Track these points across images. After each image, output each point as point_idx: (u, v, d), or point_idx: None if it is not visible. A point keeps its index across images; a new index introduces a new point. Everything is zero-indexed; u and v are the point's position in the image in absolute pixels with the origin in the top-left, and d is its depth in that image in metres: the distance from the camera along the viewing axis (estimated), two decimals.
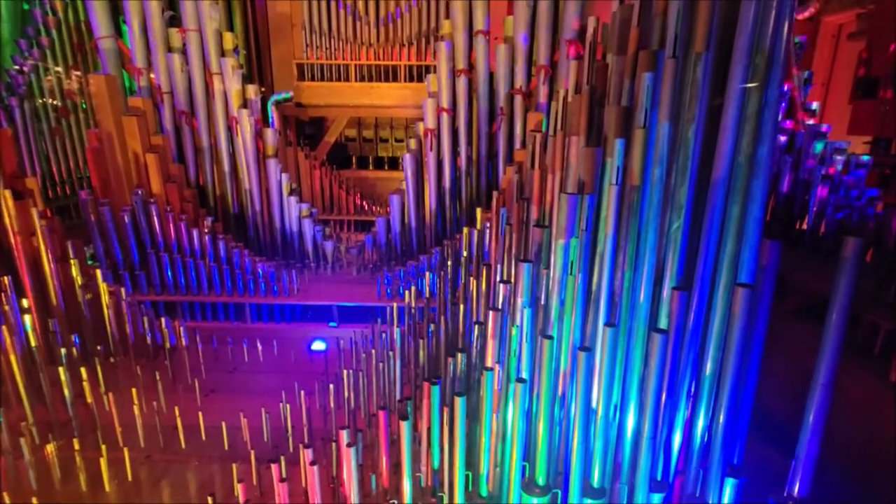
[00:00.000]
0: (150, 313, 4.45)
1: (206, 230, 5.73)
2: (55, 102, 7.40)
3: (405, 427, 1.79)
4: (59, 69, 7.54)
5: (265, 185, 6.36)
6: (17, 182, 3.76)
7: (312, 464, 1.84)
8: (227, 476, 2.77)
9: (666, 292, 2.02)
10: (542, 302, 2.14)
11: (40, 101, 7.28)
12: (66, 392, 3.01)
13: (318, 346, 5.17)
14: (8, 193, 3.50)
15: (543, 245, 2.54)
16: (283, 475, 1.90)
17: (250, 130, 6.04)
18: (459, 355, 2.54)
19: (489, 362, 2.47)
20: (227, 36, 5.99)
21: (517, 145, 6.06)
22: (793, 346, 3.37)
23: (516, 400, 1.75)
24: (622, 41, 2.64)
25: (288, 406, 2.91)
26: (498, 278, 2.86)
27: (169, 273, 5.65)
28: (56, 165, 7.48)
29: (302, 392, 3.01)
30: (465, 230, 3.79)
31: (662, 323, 2.03)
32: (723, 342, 1.99)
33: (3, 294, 3.19)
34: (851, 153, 4.26)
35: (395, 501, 1.92)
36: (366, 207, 9.14)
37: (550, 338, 1.81)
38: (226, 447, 3.08)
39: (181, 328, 4.31)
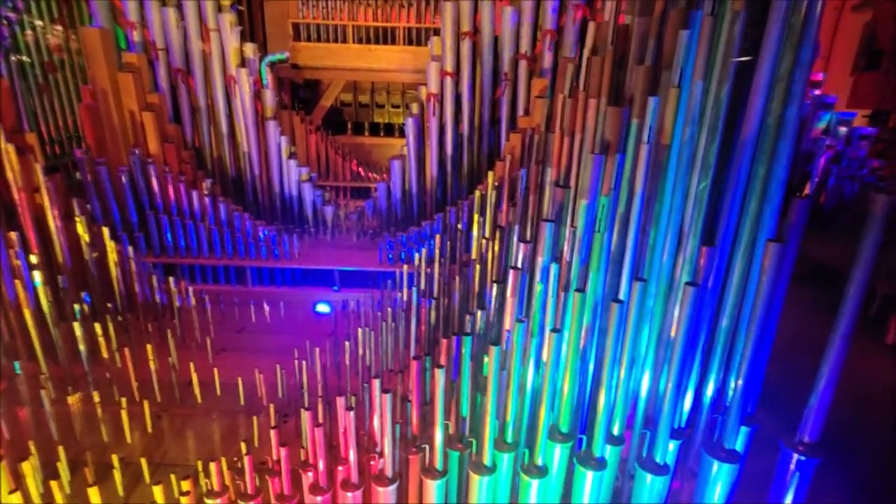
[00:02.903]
0: (158, 273, 4.44)
1: (205, 192, 5.66)
2: (43, 58, 7.12)
3: (439, 375, 1.85)
4: (42, 23, 7.24)
5: (264, 148, 6.26)
6: (18, 137, 3.66)
7: (349, 409, 1.90)
8: (246, 428, 2.84)
9: (688, 250, 2.08)
10: (568, 259, 2.19)
11: (26, 56, 6.99)
12: (82, 347, 3.02)
13: (323, 308, 5.22)
14: (11, 148, 3.41)
15: (565, 205, 2.58)
16: (319, 420, 1.97)
17: (249, 91, 5.91)
18: (479, 312, 2.60)
19: (508, 319, 2.52)
20: None
21: (520, 111, 6.02)
22: (791, 309, 3.50)
23: (548, 350, 1.82)
24: (646, 3, 2.63)
25: (304, 363, 2.97)
26: (516, 238, 2.90)
27: (168, 235, 5.60)
28: (45, 124, 7.25)
29: (317, 349, 3.06)
30: (478, 192, 3.80)
31: (684, 279, 2.09)
32: (740, 297, 2.07)
33: (11, 250, 3.15)
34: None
35: (427, 446, 2.00)
36: (362, 174, 9.05)
37: (582, 291, 1.87)
38: (241, 402, 3.14)
39: (189, 289, 4.31)
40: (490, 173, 4.03)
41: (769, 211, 1.97)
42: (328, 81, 9.35)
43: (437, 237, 3.64)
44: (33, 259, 3.36)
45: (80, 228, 3.75)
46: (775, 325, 1.85)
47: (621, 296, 2.12)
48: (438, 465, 1.98)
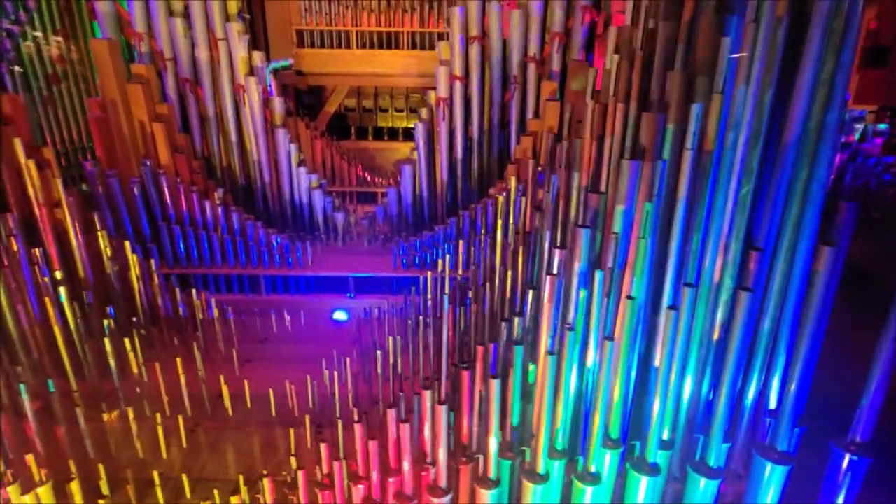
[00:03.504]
0: (180, 286, 4.42)
1: (217, 201, 5.65)
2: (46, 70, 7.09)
3: (494, 385, 1.86)
4: (39, 34, 7.19)
5: (274, 156, 6.26)
6: (36, 152, 3.64)
7: (404, 421, 1.91)
8: (283, 441, 2.83)
9: (731, 254, 2.10)
10: (609, 265, 2.20)
11: (29, 68, 6.96)
12: (112, 363, 3.00)
13: (340, 315, 5.22)
14: (32, 164, 3.39)
15: (600, 210, 2.59)
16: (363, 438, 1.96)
17: (258, 99, 5.90)
18: (516, 319, 2.61)
19: (545, 325, 2.53)
20: (231, 1, 5.78)
21: (529, 114, 6.04)
22: None
23: (602, 356, 1.83)
24: (671, 7, 2.65)
25: (335, 373, 2.96)
26: (547, 244, 2.91)
27: (181, 245, 5.58)
28: (50, 136, 7.22)
29: (347, 359, 3.06)
30: (500, 198, 3.81)
31: (727, 284, 2.11)
32: (782, 299, 2.09)
33: (36, 267, 3.14)
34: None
35: (481, 455, 2.01)
36: (368, 179, 9.05)
37: (632, 298, 1.88)
38: (273, 414, 3.14)
39: (212, 300, 4.30)
40: (513, 179, 4.04)
41: (811, 213, 1.99)
42: (332, 87, 9.35)
43: (461, 242, 3.64)
44: (57, 275, 3.35)
45: (103, 242, 3.73)
46: (824, 328, 1.87)
47: (664, 301, 2.13)
48: (492, 474, 1.99)
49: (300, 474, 2.00)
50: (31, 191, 3.45)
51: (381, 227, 6.57)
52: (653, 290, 2.15)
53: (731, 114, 1.92)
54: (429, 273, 3.59)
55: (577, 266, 2.50)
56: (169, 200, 5.51)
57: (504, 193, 3.70)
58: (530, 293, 2.67)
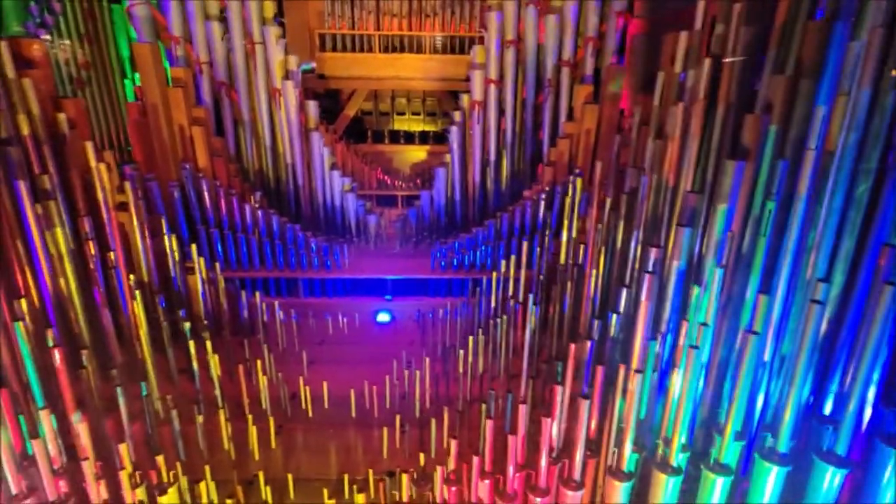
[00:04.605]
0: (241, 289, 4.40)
1: (256, 205, 5.65)
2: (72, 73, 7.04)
3: (636, 379, 1.90)
4: (67, 42, 7.15)
5: (307, 159, 6.26)
6: (103, 155, 3.62)
7: (547, 416, 1.94)
8: (370, 440, 2.84)
9: (843, 250, 2.17)
10: (725, 262, 2.26)
11: (56, 72, 6.90)
12: (195, 366, 3.00)
13: (383, 317, 5.23)
14: (104, 167, 3.38)
15: (698, 209, 2.65)
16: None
17: (295, 103, 5.91)
18: (614, 316, 2.66)
19: (640, 324, 2.58)
20: (268, 3, 5.78)
21: (562, 118, 6.11)
22: None
23: (745, 355, 1.88)
24: (755, 12, 2.74)
25: (417, 372, 2.99)
26: (634, 243, 2.97)
27: (219, 248, 5.56)
28: None
29: (427, 358, 3.09)
30: (567, 199, 3.86)
31: (837, 280, 2.18)
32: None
33: (111, 270, 3.12)
34: None
35: (616, 450, 2.05)
36: (388, 182, 9.07)
37: (768, 294, 1.94)
38: (353, 414, 3.15)
39: (275, 303, 4.29)
40: (580, 181, 4.08)
41: None
42: (349, 91, 9.37)
43: (525, 243, 3.69)
44: (131, 278, 3.33)
45: (173, 245, 3.72)
46: None
47: (777, 297, 2.19)
48: (626, 467, 2.03)
49: (439, 470, 2.03)
50: (99, 194, 3.43)
51: (411, 230, 6.60)
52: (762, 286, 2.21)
53: (852, 115, 1.99)
54: (493, 274, 3.63)
55: (676, 264, 2.55)
56: (208, 204, 5.49)
57: (545, 194, 3.74)
58: (623, 291, 2.73)
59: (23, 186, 2.94)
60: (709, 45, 3.15)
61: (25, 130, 3.23)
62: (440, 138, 9.98)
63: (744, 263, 2.18)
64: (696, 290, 2.27)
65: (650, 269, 2.64)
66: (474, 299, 3.99)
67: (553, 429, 2.05)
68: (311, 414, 3.22)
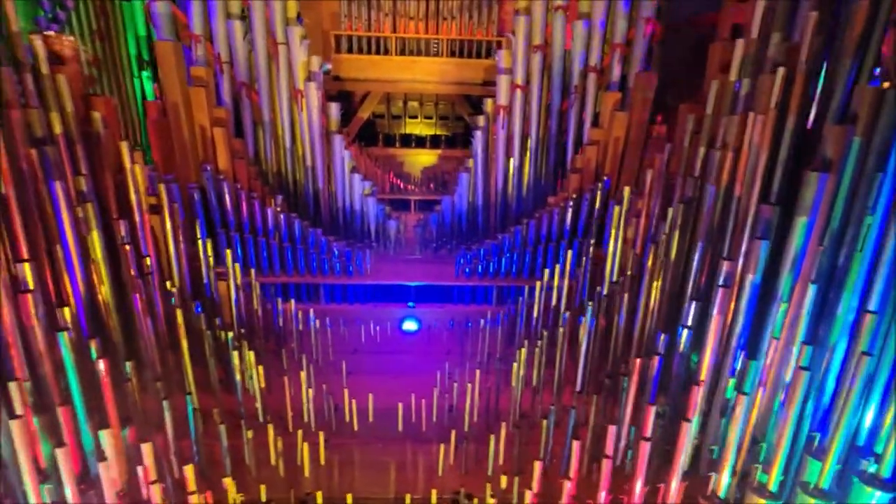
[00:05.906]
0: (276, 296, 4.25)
1: (277, 208, 5.52)
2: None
3: (742, 401, 1.82)
4: (71, 38, 6.98)
5: (328, 162, 6.14)
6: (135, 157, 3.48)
7: (646, 440, 1.84)
8: (425, 456, 2.72)
9: None
10: (811, 278, 2.18)
11: None
12: (238, 378, 2.87)
13: (410, 325, 5.12)
14: (138, 169, 3.24)
15: (773, 223, 2.57)
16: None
17: (317, 104, 5.80)
18: (685, 331, 2.57)
19: (711, 338, 2.50)
20: (291, 3, 5.67)
21: (587, 124, 6.05)
22: None
23: (857, 373, 1.80)
24: (824, 23, 2.68)
25: (469, 385, 2.88)
26: (698, 254, 2.89)
27: (239, 252, 5.42)
28: None
29: (477, 371, 2.99)
30: (617, 209, 3.78)
31: None
32: None
33: (146, 277, 2.98)
34: None
35: (713, 474, 1.96)
36: (401, 186, 8.97)
37: (874, 313, 1.87)
38: (399, 428, 3.03)
39: (310, 311, 4.16)
40: (627, 189, 4.00)
41: None
42: (362, 93, 9.27)
43: (569, 253, 3.60)
44: (168, 285, 3.19)
45: (209, 250, 3.58)
46: None
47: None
48: (722, 493, 1.94)
49: (528, 494, 1.93)
50: (133, 197, 3.29)
51: (432, 235, 6.50)
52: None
53: None
54: (538, 283, 3.53)
55: (751, 277, 2.47)
56: (229, 206, 5.35)
57: (572, 202, 3.67)
58: (693, 304, 2.64)
59: (59, 188, 2.80)
60: (764, 54, 3.09)
61: (58, 129, 3.09)
62: (452, 142, 9.90)
63: (837, 280, 2.11)
64: (783, 307, 2.19)
65: (722, 282, 2.56)
66: (516, 308, 3.89)
67: (647, 450, 1.95)
68: (356, 427, 3.10)
